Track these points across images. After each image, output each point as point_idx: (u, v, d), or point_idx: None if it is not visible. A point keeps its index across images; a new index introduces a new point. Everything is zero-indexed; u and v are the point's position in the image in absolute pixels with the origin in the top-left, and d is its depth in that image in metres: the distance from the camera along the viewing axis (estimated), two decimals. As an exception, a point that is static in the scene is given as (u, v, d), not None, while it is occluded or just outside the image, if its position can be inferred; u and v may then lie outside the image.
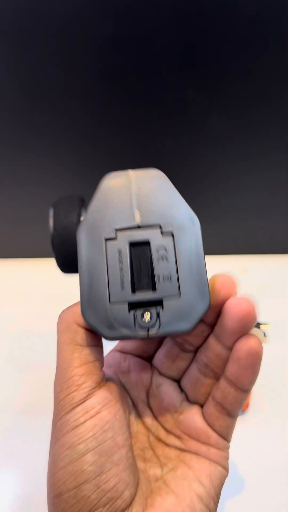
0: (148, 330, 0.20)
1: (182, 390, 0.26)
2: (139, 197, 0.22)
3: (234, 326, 0.21)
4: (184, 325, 0.20)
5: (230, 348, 0.22)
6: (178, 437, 0.24)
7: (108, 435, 0.20)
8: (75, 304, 0.23)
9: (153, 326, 0.20)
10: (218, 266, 0.26)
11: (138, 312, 0.20)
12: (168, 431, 0.25)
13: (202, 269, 0.21)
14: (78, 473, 0.19)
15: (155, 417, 0.26)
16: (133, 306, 0.20)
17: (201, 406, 0.25)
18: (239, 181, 0.67)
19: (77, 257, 0.38)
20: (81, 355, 0.21)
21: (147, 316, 0.20)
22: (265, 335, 0.53)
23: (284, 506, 0.37)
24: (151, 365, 0.28)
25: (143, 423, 0.26)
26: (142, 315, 0.20)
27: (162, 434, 0.25)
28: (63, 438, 0.20)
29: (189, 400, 0.25)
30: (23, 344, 0.60)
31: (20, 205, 0.72)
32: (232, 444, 0.35)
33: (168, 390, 0.26)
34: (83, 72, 0.56)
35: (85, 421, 0.20)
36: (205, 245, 0.23)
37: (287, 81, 0.58)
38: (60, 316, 0.23)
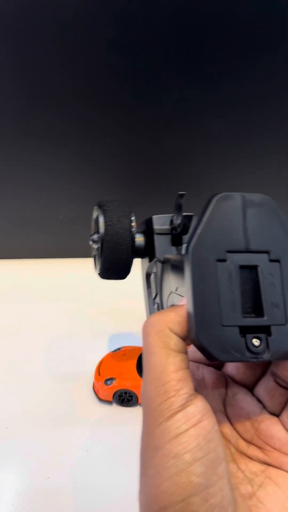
0: (257, 356, 0.21)
1: (258, 399, 0.25)
2: (250, 222, 0.22)
3: None
4: None
5: None
6: (260, 448, 0.24)
7: (211, 446, 0.19)
8: (167, 311, 0.22)
9: (263, 352, 0.21)
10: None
11: (249, 337, 0.21)
12: (248, 442, 0.24)
13: None
14: (186, 484, 0.18)
15: (234, 427, 0.25)
16: (242, 330, 0.21)
17: (277, 416, 0.25)
18: (239, 181, 0.68)
19: (124, 264, 0.37)
20: (175, 360, 0.20)
21: (256, 342, 0.21)
22: None
23: None
24: (223, 374, 0.27)
25: (223, 434, 0.25)
26: (251, 340, 0.21)
27: (242, 445, 0.24)
28: (165, 446, 0.19)
29: (267, 409, 0.25)
30: (25, 343, 0.60)
31: (20, 206, 0.72)
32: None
33: (245, 399, 0.25)
34: (84, 74, 0.57)
35: (187, 429, 0.19)
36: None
37: (286, 82, 0.58)
38: (150, 320, 0.22)
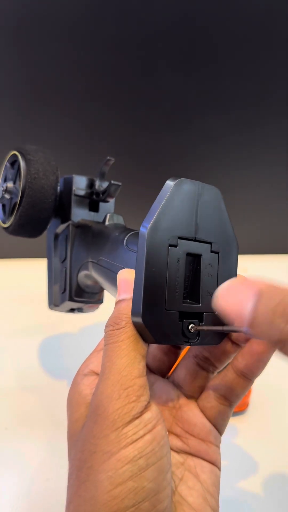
0: (189, 340, 0.22)
1: (175, 385, 0.25)
2: (201, 212, 0.22)
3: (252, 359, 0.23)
4: (215, 340, 0.23)
5: (239, 345, 0.23)
6: (178, 436, 0.24)
7: (164, 451, 0.19)
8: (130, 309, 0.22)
9: (194, 337, 0.22)
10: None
11: (186, 322, 0.21)
12: (167, 431, 0.24)
13: None
14: (138, 489, 0.18)
15: None
16: (181, 315, 0.21)
17: (195, 400, 0.25)
18: (239, 182, 0.67)
19: (42, 223, 0.35)
20: (140, 366, 0.20)
21: (192, 328, 0.22)
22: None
23: (284, 504, 0.37)
24: None
25: None
26: (188, 326, 0.22)
27: None
28: (121, 452, 0.18)
29: (185, 395, 0.25)
30: (24, 344, 0.60)
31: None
32: (232, 442, 0.35)
33: (163, 387, 0.25)
34: (84, 72, 0.56)
35: (144, 435, 0.19)
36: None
37: (285, 82, 0.58)
38: (123, 318, 0.21)
